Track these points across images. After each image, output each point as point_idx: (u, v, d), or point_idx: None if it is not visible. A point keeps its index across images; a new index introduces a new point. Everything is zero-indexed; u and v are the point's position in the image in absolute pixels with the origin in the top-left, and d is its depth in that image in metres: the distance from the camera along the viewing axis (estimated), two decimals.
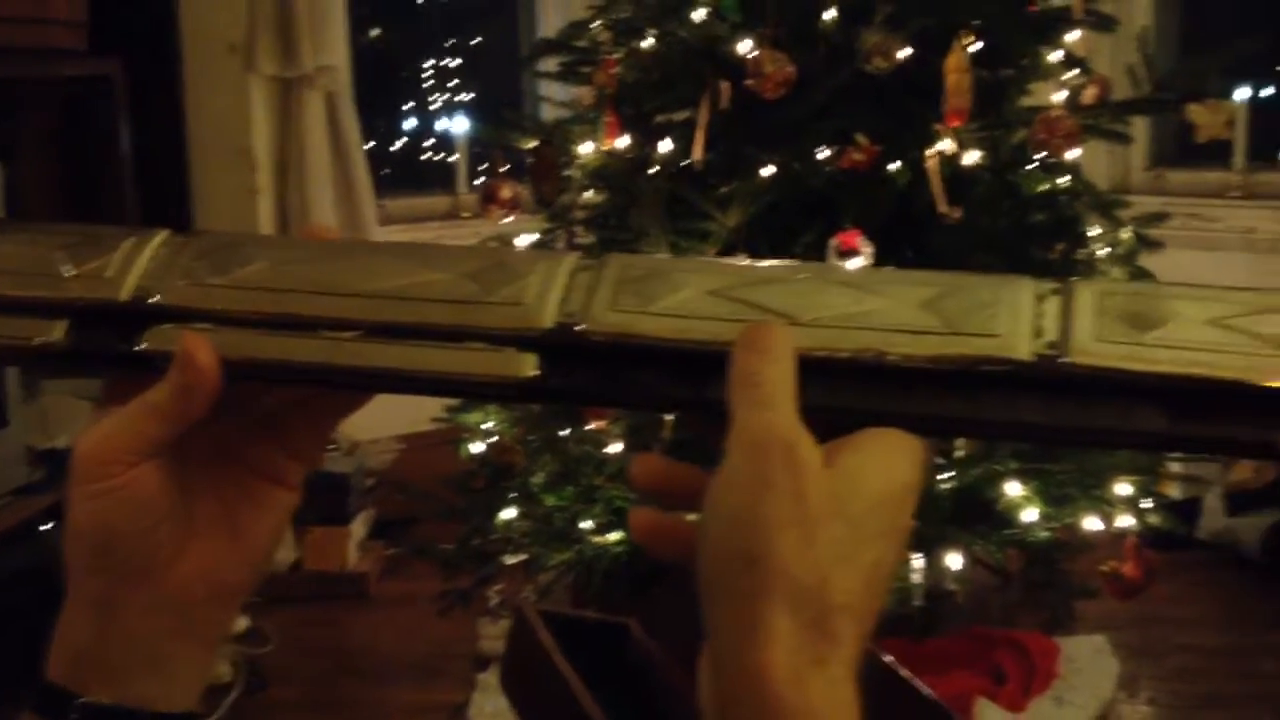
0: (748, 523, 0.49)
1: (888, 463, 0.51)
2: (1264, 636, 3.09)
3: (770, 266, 0.56)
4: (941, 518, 2.37)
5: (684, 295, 0.54)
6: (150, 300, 0.58)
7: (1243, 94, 4.00)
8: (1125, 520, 2.53)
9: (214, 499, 0.61)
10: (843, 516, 0.49)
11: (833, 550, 0.49)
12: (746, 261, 0.60)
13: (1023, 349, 0.49)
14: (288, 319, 0.57)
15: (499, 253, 0.60)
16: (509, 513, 2.57)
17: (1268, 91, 4.35)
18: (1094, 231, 2.63)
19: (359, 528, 3.72)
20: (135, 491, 0.57)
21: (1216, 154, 4.14)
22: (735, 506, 0.50)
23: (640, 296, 0.54)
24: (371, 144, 4.20)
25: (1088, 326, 0.50)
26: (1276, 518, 3.49)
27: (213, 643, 0.61)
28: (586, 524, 2.49)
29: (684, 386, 0.53)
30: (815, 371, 0.51)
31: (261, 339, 0.57)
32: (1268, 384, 0.47)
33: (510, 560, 2.57)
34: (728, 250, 2.33)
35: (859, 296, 0.53)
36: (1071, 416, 0.50)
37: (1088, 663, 2.75)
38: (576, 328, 0.54)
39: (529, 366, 0.55)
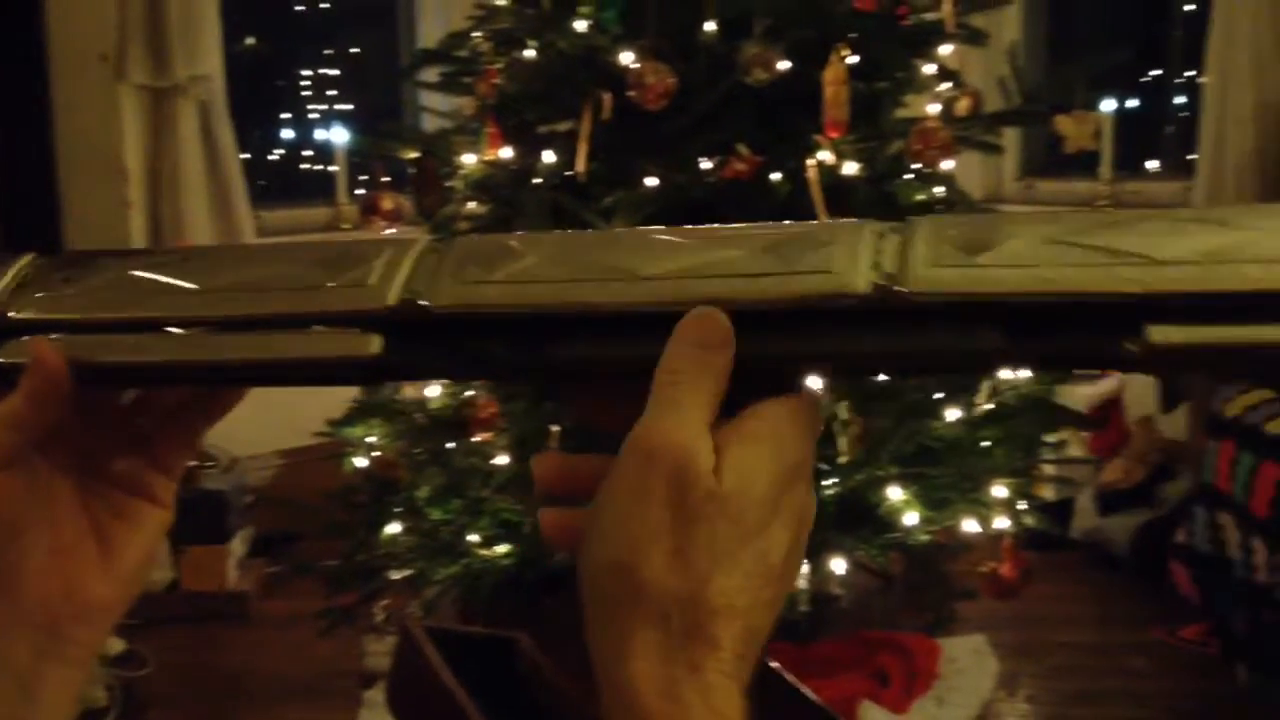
0: (623, 533, 0.49)
1: (775, 447, 0.51)
2: (1134, 634, 3.19)
3: (608, 231, 0.56)
4: (825, 523, 2.40)
5: (525, 263, 0.54)
6: (8, 315, 0.58)
7: (1108, 106, 4.13)
8: (1002, 522, 2.59)
9: (82, 515, 0.60)
10: (725, 517, 0.49)
11: (710, 552, 0.49)
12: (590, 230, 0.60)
13: (860, 282, 0.50)
14: (138, 321, 0.57)
15: (348, 243, 0.60)
16: (394, 527, 2.54)
17: (1132, 103, 4.49)
18: None
19: (238, 546, 3.65)
20: None
21: (1084, 164, 4.27)
22: (613, 516, 0.50)
23: (483, 268, 0.54)
24: (247, 155, 4.12)
25: (924, 255, 0.50)
26: (1145, 517, 3.61)
27: (83, 665, 0.60)
28: (474, 537, 2.48)
29: (526, 352, 0.53)
30: (671, 324, 0.51)
31: (112, 341, 0.57)
32: (1103, 290, 0.47)
33: (395, 576, 2.54)
34: None
35: (701, 248, 0.53)
36: (914, 343, 0.50)
37: (968, 663, 2.81)
38: (420, 302, 0.54)
39: (373, 345, 0.54)
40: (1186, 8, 4.31)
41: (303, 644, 3.11)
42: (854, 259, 0.50)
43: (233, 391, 0.62)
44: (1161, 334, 0.46)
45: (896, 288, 0.49)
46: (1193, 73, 4.19)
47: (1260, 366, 0.49)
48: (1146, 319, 0.47)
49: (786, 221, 0.54)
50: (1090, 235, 0.49)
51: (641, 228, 0.57)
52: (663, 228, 0.55)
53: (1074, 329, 0.48)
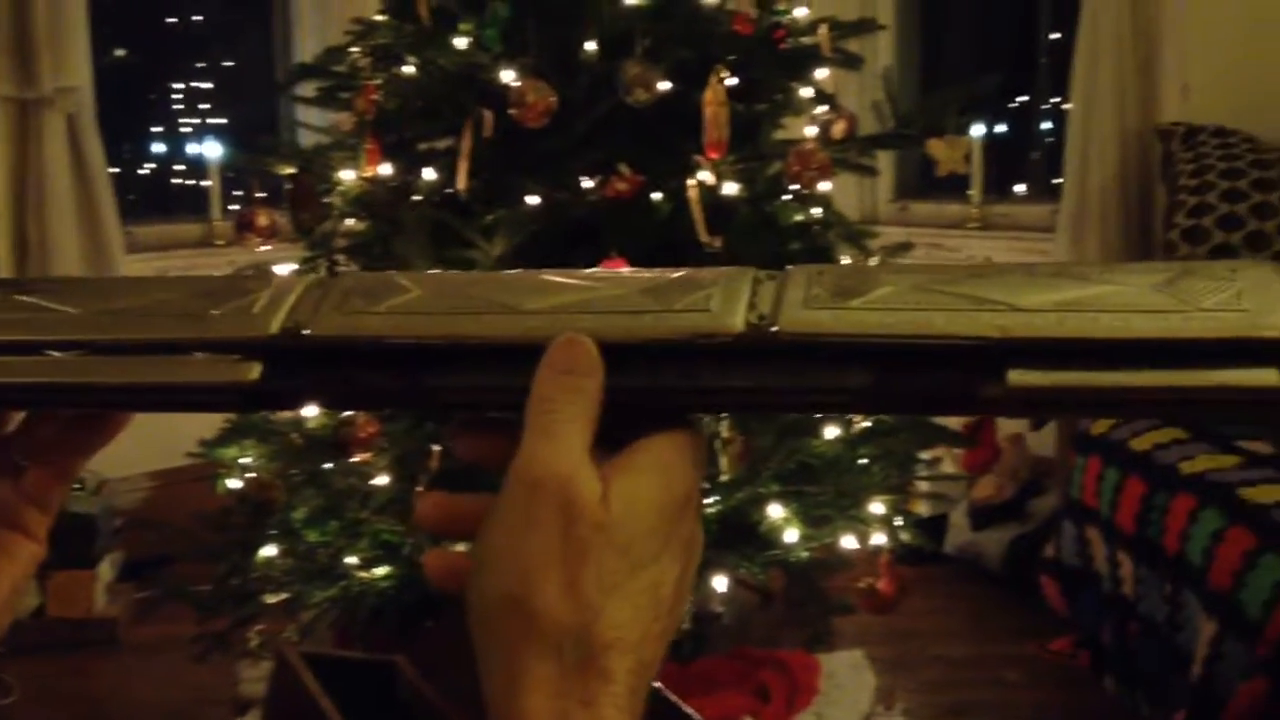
0: (512, 565, 0.49)
1: (662, 479, 0.51)
2: (1007, 647, 3.25)
3: (482, 274, 0.58)
4: (707, 542, 2.41)
5: (409, 296, 0.55)
6: None
7: (978, 131, 4.23)
8: (879, 538, 2.63)
9: None
10: (614, 548, 0.49)
11: (601, 585, 0.49)
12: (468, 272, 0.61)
13: (736, 322, 0.51)
14: (13, 344, 0.56)
15: (233, 276, 0.60)
16: (269, 550, 2.49)
17: (1001, 129, 4.62)
18: (845, 260, 2.74)
19: (106, 570, 3.54)
20: None
21: (955, 187, 4.37)
22: (502, 548, 0.49)
23: (366, 300, 0.55)
24: (117, 169, 4.02)
25: (797, 298, 0.52)
26: (1016, 532, 3.69)
27: None
28: (352, 559, 2.44)
29: (404, 381, 0.54)
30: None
31: None
32: (966, 334, 0.49)
33: (271, 600, 2.48)
34: None
35: (583, 288, 0.54)
36: (785, 380, 0.52)
37: (846, 678, 2.85)
38: (302, 331, 0.54)
39: (253, 372, 0.54)
40: (1053, 36, 4.44)
41: (174, 671, 3.03)
42: (731, 300, 0.52)
43: (110, 423, 0.60)
44: (1019, 377, 0.49)
45: (770, 328, 0.51)
46: (1058, 99, 4.31)
47: (1112, 409, 0.52)
48: (1007, 363, 0.49)
49: (681, 271, 0.55)
50: (956, 284, 0.51)
51: (531, 270, 0.57)
52: (552, 270, 0.56)
53: (939, 371, 0.50)
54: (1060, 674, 3.11)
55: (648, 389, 0.52)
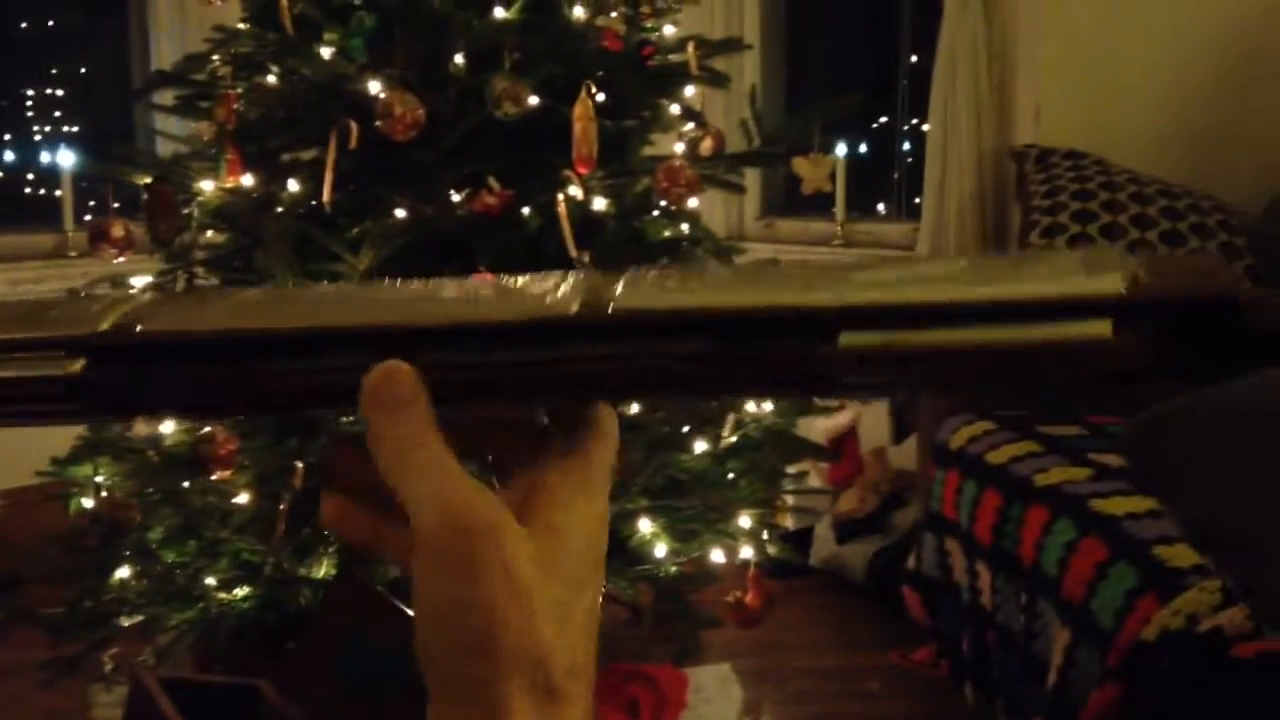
0: (467, 609, 0.49)
1: (582, 505, 0.52)
2: (870, 657, 3.31)
3: (332, 285, 0.58)
4: None
5: (246, 295, 0.55)
6: None
7: (842, 150, 4.31)
8: (746, 551, 2.65)
9: None
10: (555, 577, 0.50)
11: (552, 615, 0.49)
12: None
13: (572, 306, 0.52)
14: None
15: (85, 295, 0.59)
16: (124, 571, 2.41)
17: (864, 149, 4.71)
18: None
19: None
20: None
21: (820, 205, 4.44)
22: (453, 596, 0.49)
23: (200, 302, 0.56)
24: None
25: (631, 282, 0.53)
26: (879, 544, 3.76)
27: None
28: (211, 580, 2.37)
29: (236, 368, 0.53)
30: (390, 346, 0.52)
31: None
32: (799, 303, 0.50)
33: (126, 622, 2.40)
34: None
35: (431, 287, 0.55)
36: (620, 351, 0.52)
37: (715, 691, 2.86)
38: (135, 328, 0.53)
39: (75, 365, 0.53)
40: (913, 59, 4.54)
41: (22, 697, 2.92)
42: (573, 290, 0.53)
43: None
44: (851, 339, 0.50)
45: (605, 307, 0.52)
46: (917, 121, 4.41)
47: (947, 371, 0.52)
48: (840, 329, 0.50)
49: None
50: (788, 270, 0.54)
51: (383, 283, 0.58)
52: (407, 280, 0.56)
53: (773, 338, 0.51)
54: (922, 683, 3.17)
55: (484, 365, 0.52)
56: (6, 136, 4.48)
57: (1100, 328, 0.48)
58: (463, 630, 0.49)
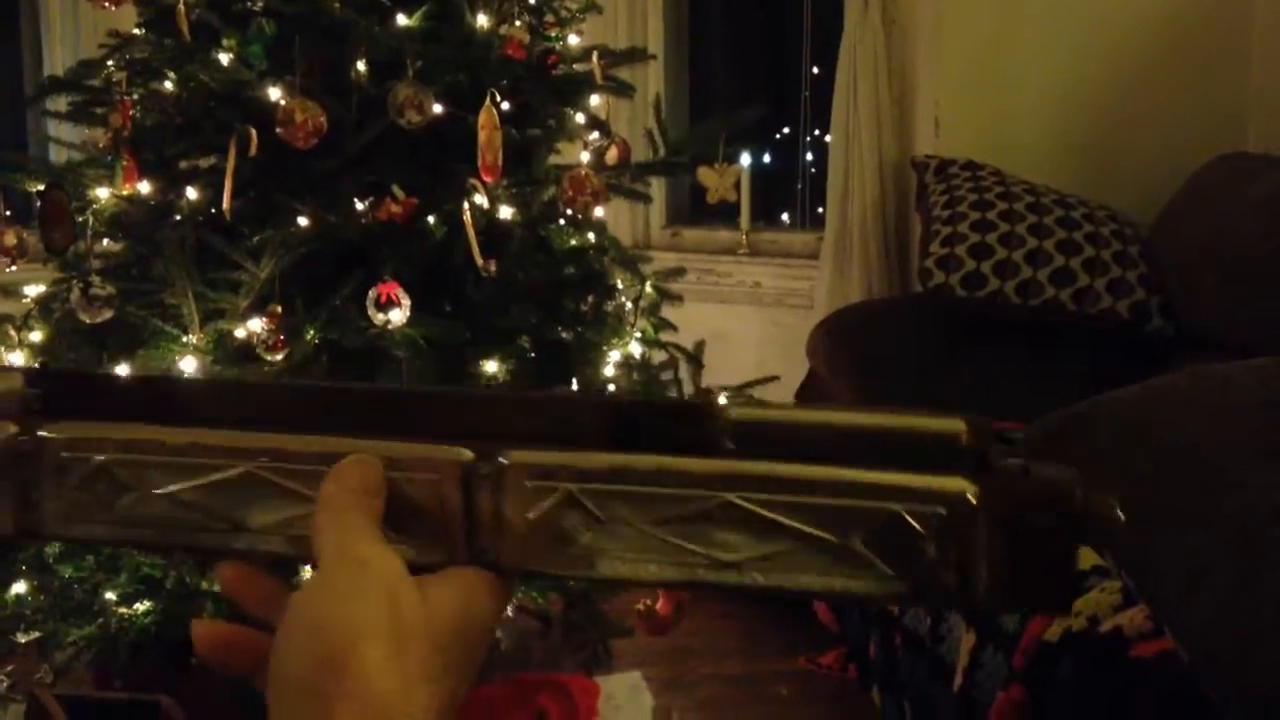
0: (336, 628, 0.50)
1: (471, 598, 0.54)
2: (779, 663, 3.33)
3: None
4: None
5: (133, 500, 0.56)
6: None
7: (746, 160, 4.34)
8: None
9: None
10: (432, 642, 0.51)
11: (419, 668, 0.50)
12: None
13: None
14: None
15: None
16: (19, 586, 2.35)
17: (767, 159, 4.75)
18: (620, 285, 2.77)
19: None
20: None
21: (725, 215, 4.48)
22: (325, 614, 0.50)
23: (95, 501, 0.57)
24: None
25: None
26: None
27: None
28: (110, 595, 2.32)
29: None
30: None
31: None
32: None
33: (22, 639, 2.34)
34: (262, 301, 2.26)
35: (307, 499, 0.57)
36: None
37: (625, 699, 2.86)
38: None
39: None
40: (814, 70, 4.59)
41: None
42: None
43: None
44: (739, 413, 0.54)
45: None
46: (820, 132, 4.47)
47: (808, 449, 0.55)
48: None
49: None
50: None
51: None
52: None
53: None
54: (830, 688, 3.19)
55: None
56: None
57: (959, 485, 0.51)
58: (325, 646, 0.49)
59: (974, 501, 0.50)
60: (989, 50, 3.95)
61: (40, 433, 0.54)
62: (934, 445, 0.51)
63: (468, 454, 0.54)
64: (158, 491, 0.54)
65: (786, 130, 4.81)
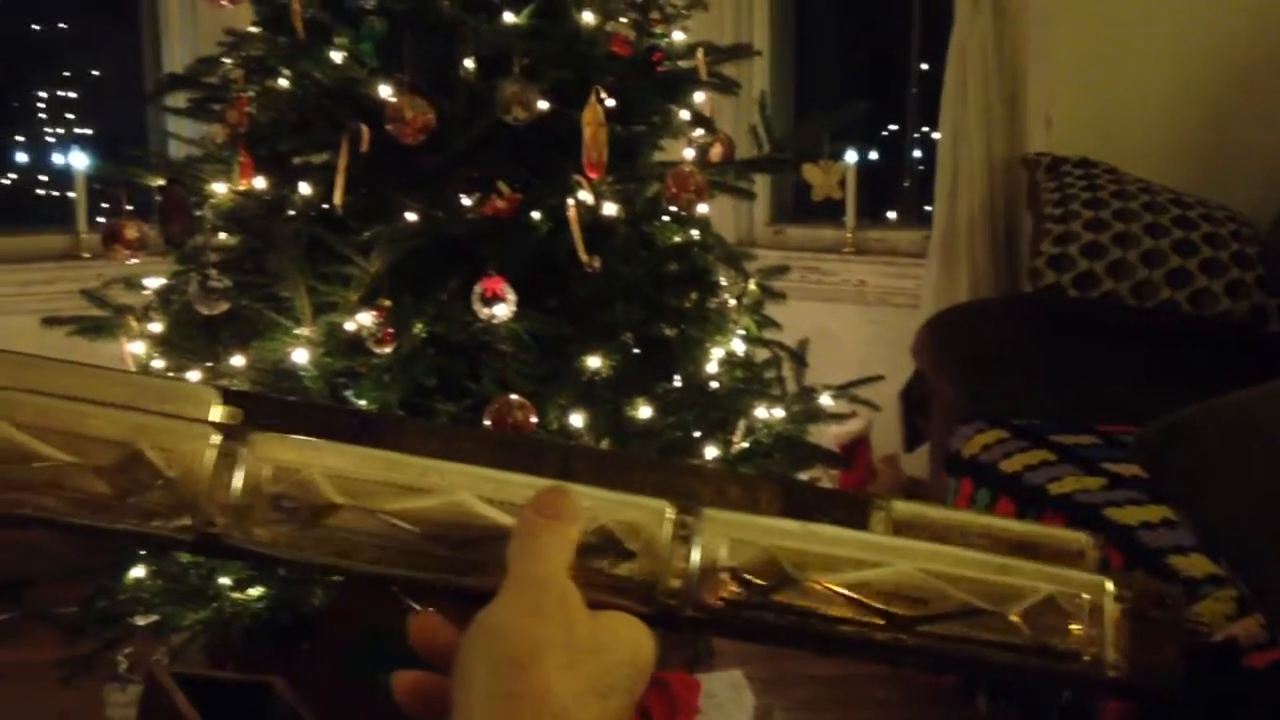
0: (519, 637, 0.53)
1: (637, 638, 0.56)
2: (874, 666, 3.30)
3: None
4: None
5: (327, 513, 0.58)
6: None
7: (852, 157, 4.31)
8: None
9: None
10: (602, 660, 0.54)
11: (589, 684, 0.53)
12: None
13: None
14: None
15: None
16: (138, 571, 2.42)
17: (874, 156, 4.71)
18: (723, 282, 2.76)
19: None
20: None
21: (830, 212, 4.45)
22: (507, 623, 0.54)
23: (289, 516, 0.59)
24: None
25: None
26: None
27: None
28: (224, 580, 2.37)
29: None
30: None
31: None
32: None
33: (140, 622, 2.41)
34: (371, 295, 2.30)
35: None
36: None
37: (727, 697, 2.86)
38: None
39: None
40: (923, 67, 4.54)
41: (38, 696, 2.93)
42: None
43: None
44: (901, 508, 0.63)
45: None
46: (928, 129, 4.42)
47: None
48: None
49: None
50: None
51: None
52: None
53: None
54: (932, 693, 3.16)
55: None
56: (19, 138, 4.50)
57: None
58: (509, 651, 0.53)
59: (1113, 591, 0.58)
60: (1102, 45, 3.87)
61: (237, 445, 0.55)
62: (1066, 552, 0.62)
63: (671, 509, 0.57)
64: (358, 512, 0.56)
65: (893, 127, 4.76)
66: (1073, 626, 0.57)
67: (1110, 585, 0.58)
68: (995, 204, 3.98)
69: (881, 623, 0.57)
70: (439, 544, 0.55)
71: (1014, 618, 0.57)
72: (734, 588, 0.57)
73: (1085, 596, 0.58)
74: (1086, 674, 0.58)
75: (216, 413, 0.57)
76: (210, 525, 0.54)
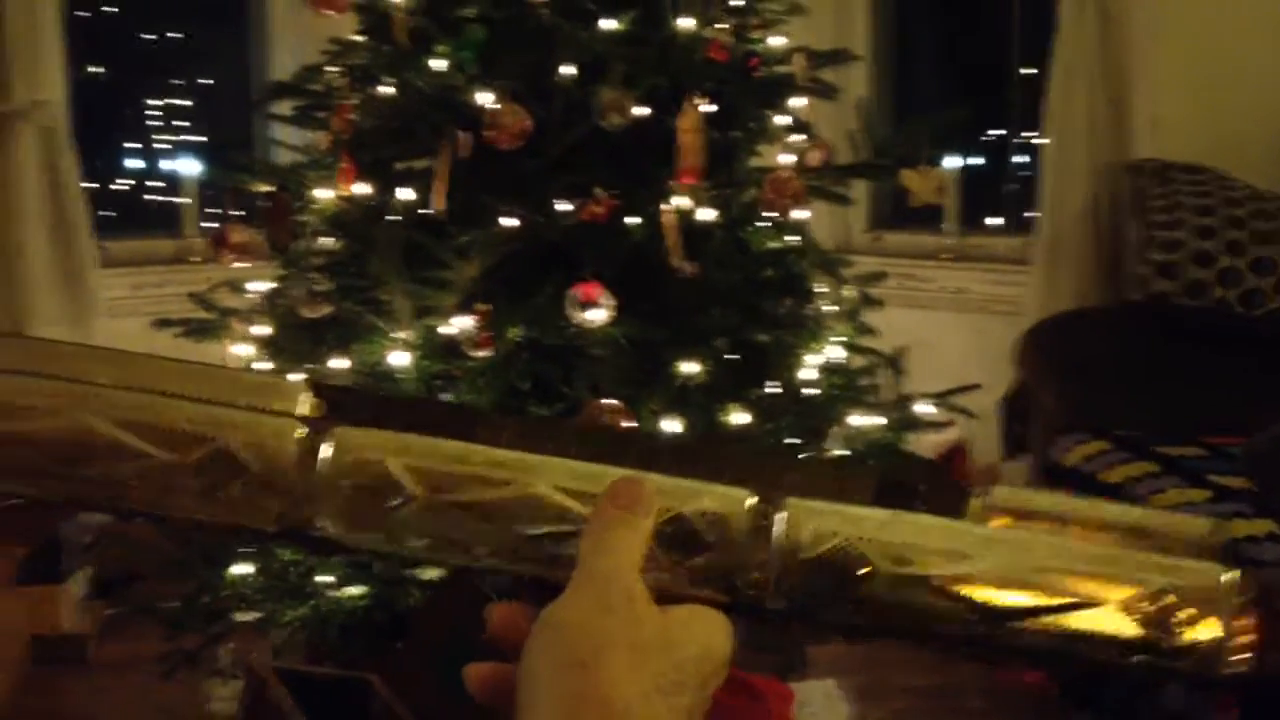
0: (585, 638, 0.52)
1: (710, 631, 0.55)
2: (976, 677, 3.26)
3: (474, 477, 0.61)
4: None
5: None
6: None
7: (952, 162, 4.26)
8: None
9: None
10: (670, 657, 0.53)
11: (656, 681, 0.52)
12: None
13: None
14: None
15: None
16: (240, 568, 2.47)
17: (975, 161, 4.65)
18: (819, 289, 2.75)
19: (76, 587, 3.50)
20: None
21: (929, 218, 4.40)
22: (572, 620, 0.53)
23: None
24: (92, 184, 4.00)
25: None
26: None
27: None
28: (323, 578, 2.42)
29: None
30: None
31: None
32: None
33: (241, 618, 2.46)
34: (468, 299, 2.33)
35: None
36: None
37: (820, 706, 2.85)
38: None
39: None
40: (1025, 71, 4.48)
41: (143, 689, 3.00)
42: None
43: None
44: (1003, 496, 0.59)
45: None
46: (1031, 133, 4.35)
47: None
48: None
49: None
50: None
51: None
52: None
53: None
54: (1029, 705, 3.11)
55: None
56: (131, 145, 4.63)
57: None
58: (574, 650, 0.52)
59: (1234, 582, 0.54)
60: (1210, 48, 3.79)
61: (321, 438, 0.56)
62: (1185, 541, 0.57)
63: (751, 497, 0.56)
64: (436, 503, 0.56)
65: (995, 132, 4.70)
66: (1187, 621, 0.54)
67: (1231, 577, 0.55)
68: (1100, 210, 3.91)
69: (974, 617, 0.55)
70: (516, 536, 0.56)
71: (1122, 612, 0.54)
72: (817, 579, 0.55)
73: (1202, 589, 0.54)
74: (1201, 671, 0.55)
75: (305, 404, 0.58)
76: (294, 515, 0.56)
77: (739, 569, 0.56)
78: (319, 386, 0.59)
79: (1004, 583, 0.55)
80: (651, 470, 0.57)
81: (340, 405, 0.59)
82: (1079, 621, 0.55)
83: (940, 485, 0.59)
